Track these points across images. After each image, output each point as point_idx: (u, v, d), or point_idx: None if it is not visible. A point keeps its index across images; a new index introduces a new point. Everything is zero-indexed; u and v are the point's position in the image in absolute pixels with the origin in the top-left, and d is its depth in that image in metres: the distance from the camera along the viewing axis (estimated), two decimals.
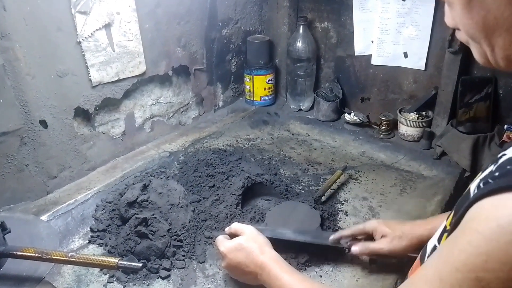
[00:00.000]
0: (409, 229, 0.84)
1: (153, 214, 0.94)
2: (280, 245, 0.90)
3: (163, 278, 0.88)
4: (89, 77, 1.10)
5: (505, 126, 1.21)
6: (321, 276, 0.89)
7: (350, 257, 0.92)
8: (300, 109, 1.65)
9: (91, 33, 1.07)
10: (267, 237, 0.84)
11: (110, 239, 0.97)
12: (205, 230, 0.99)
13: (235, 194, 1.05)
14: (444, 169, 1.25)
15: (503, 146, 1.15)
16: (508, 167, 0.43)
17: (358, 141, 1.42)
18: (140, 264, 0.74)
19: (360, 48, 1.48)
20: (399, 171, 1.27)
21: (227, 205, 1.03)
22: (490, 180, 0.44)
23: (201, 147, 1.36)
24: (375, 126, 1.47)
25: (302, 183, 1.20)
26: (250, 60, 1.61)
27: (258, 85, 1.62)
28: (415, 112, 1.39)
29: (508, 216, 0.39)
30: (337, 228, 1.01)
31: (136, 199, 0.96)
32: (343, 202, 1.13)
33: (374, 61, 1.46)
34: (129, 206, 0.96)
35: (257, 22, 1.65)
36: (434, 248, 0.57)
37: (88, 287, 0.87)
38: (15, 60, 0.94)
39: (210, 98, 1.57)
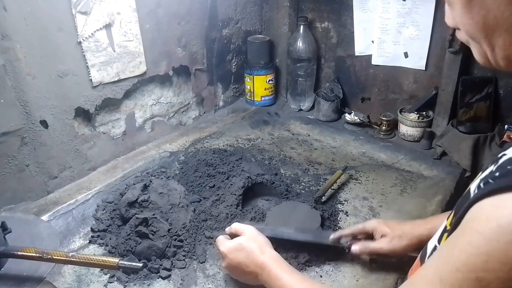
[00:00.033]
0: (409, 229, 0.84)
1: (154, 214, 0.94)
2: (281, 245, 0.91)
3: (163, 278, 0.88)
4: (90, 77, 1.11)
5: (506, 126, 1.21)
6: (321, 276, 0.89)
7: (350, 257, 0.92)
8: (301, 109, 1.65)
9: (92, 33, 1.07)
10: (267, 236, 0.84)
11: (110, 239, 0.97)
12: (206, 230, 0.99)
13: (235, 194, 1.05)
14: (444, 169, 1.25)
15: (503, 146, 1.15)
16: (509, 167, 0.43)
17: (359, 141, 1.42)
18: (141, 264, 0.75)
19: (360, 48, 1.48)
20: (400, 171, 1.27)
21: (227, 205, 1.03)
22: (490, 180, 0.44)
23: (202, 147, 1.36)
24: (375, 126, 1.47)
25: (303, 183, 1.20)
26: (250, 60, 1.61)
27: (259, 85, 1.62)
28: (416, 112, 1.39)
29: (508, 216, 0.39)
30: (337, 228, 1.01)
31: (137, 199, 0.96)
32: (343, 202, 1.13)
33: (374, 61, 1.46)
34: (130, 206, 0.96)
35: (258, 22, 1.65)
36: (435, 248, 0.57)
37: (89, 287, 0.87)
38: (15, 60, 0.94)
39: (210, 98, 1.57)
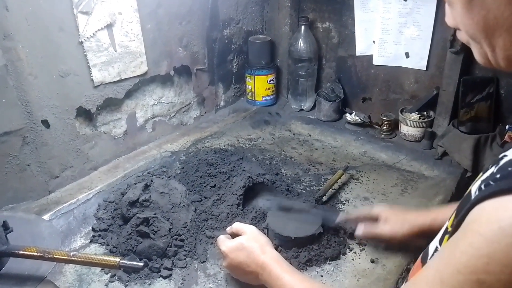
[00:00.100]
0: (412, 217, 0.87)
1: (155, 214, 0.94)
2: (282, 244, 0.91)
3: (164, 278, 0.88)
4: (91, 77, 1.11)
5: (507, 126, 1.20)
6: (322, 276, 0.89)
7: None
8: (302, 109, 1.65)
9: (93, 33, 1.07)
10: (273, 216, 0.85)
11: (111, 238, 0.97)
12: (207, 229, 0.99)
13: (236, 194, 1.05)
14: (445, 169, 1.24)
15: (504, 146, 1.15)
16: (509, 169, 0.43)
17: (360, 141, 1.42)
18: (142, 264, 0.75)
19: (361, 48, 1.48)
20: (401, 171, 1.27)
21: (228, 205, 1.03)
22: (491, 182, 0.43)
23: (203, 147, 1.36)
24: (376, 126, 1.47)
25: (303, 183, 1.20)
26: (251, 60, 1.62)
27: (260, 85, 1.62)
28: (417, 112, 1.39)
29: (509, 218, 0.39)
30: (338, 227, 1.01)
31: (138, 198, 0.96)
32: (344, 202, 1.13)
33: (375, 61, 1.46)
34: (131, 206, 0.96)
35: (259, 22, 1.65)
36: (436, 249, 0.57)
37: (90, 286, 0.87)
38: (17, 60, 0.94)
39: (211, 98, 1.57)
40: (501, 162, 0.46)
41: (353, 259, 0.93)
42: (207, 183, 1.13)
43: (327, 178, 1.20)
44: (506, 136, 1.19)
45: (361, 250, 0.96)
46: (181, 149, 1.34)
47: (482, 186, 0.45)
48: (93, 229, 1.01)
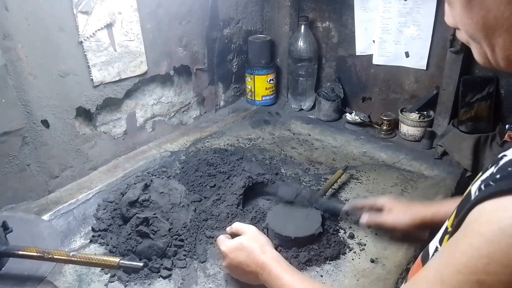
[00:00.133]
0: (414, 209, 0.91)
1: (154, 214, 0.94)
2: (282, 244, 0.91)
3: (164, 278, 0.88)
4: (91, 77, 1.11)
5: (507, 126, 1.20)
6: (322, 276, 0.89)
7: (351, 254, 0.93)
8: (301, 109, 1.65)
9: (93, 33, 1.07)
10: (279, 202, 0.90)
11: (111, 238, 0.97)
12: (206, 229, 0.99)
13: (236, 194, 1.05)
14: (445, 169, 1.24)
15: (504, 146, 1.15)
16: (509, 169, 0.43)
17: (359, 140, 1.42)
18: (141, 264, 0.74)
19: (361, 47, 1.48)
20: (400, 170, 1.27)
21: (228, 205, 1.03)
22: (491, 183, 0.43)
23: (202, 147, 1.36)
24: (376, 126, 1.47)
25: (303, 183, 1.20)
26: (251, 60, 1.61)
27: (259, 85, 1.62)
28: (417, 112, 1.39)
29: (509, 218, 0.39)
30: (338, 227, 1.01)
31: (138, 198, 0.96)
32: (344, 201, 1.12)
33: (375, 61, 1.46)
34: (131, 206, 0.96)
35: (259, 22, 1.65)
36: (436, 249, 0.57)
37: (90, 287, 0.87)
38: (17, 60, 0.94)
39: (211, 97, 1.57)
40: (501, 162, 0.46)
41: (353, 259, 0.93)
42: (207, 183, 1.13)
43: (327, 178, 1.20)
44: (506, 135, 1.19)
45: (361, 250, 0.96)
46: (181, 149, 1.34)
47: (482, 187, 0.45)
48: (93, 229, 1.01)
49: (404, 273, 0.89)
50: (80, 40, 1.05)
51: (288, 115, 1.61)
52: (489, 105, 1.26)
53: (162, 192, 0.99)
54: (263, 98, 1.65)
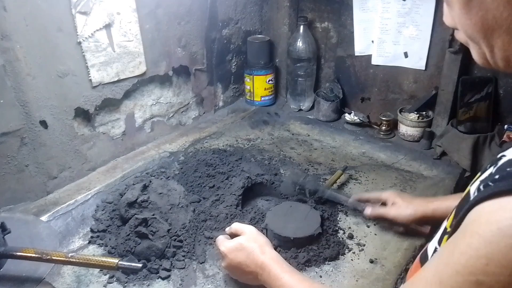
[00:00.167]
0: (416, 203, 0.94)
1: (153, 215, 0.94)
2: (281, 244, 0.91)
3: (163, 279, 0.88)
4: (90, 78, 1.10)
5: (506, 126, 1.21)
6: (321, 276, 0.89)
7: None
8: (300, 109, 1.65)
9: (92, 34, 1.07)
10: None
11: (110, 239, 0.97)
12: (205, 230, 0.99)
13: (235, 194, 1.05)
14: (444, 169, 1.24)
15: (503, 146, 1.15)
16: (508, 169, 0.43)
17: (358, 141, 1.42)
18: (140, 265, 0.74)
19: (360, 48, 1.48)
20: (399, 171, 1.27)
21: (227, 205, 1.03)
22: (490, 183, 0.43)
23: (201, 147, 1.36)
24: (375, 126, 1.47)
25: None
26: (250, 60, 1.61)
27: (258, 85, 1.62)
28: (415, 112, 1.39)
29: (508, 219, 0.39)
30: (337, 227, 1.01)
31: (136, 199, 0.96)
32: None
33: (374, 61, 1.46)
34: (129, 207, 0.96)
35: (257, 22, 1.65)
36: (435, 250, 0.57)
37: None
38: (15, 60, 0.94)
39: (210, 98, 1.57)
40: (500, 163, 0.46)
41: (352, 260, 0.93)
42: (206, 183, 1.13)
43: (326, 178, 1.20)
44: (505, 135, 1.19)
45: (360, 251, 0.96)
46: (180, 150, 1.34)
47: (481, 187, 0.45)
48: (92, 230, 1.01)
49: (403, 274, 0.89)
50: (78, 41, 1.05)
51: (287, 115, 1.61)
52: (488, 106, 1.26)
53: (161, 193, 0.99)
54: (262, 98, 1.65)
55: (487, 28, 0.44)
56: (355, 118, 1.48)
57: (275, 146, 1.42)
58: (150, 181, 1.03)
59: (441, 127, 1.35)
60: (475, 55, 0.49)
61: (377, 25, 1.40)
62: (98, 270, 0.90)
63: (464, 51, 1.23)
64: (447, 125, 1.33)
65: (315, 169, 1.28)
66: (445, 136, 1.30)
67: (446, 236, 0.53)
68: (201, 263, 0.92)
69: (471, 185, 0.51)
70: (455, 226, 0.47)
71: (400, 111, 1.41)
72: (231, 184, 1.09)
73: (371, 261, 0.92)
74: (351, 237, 0.99)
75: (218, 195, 1.07)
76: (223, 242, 0.83)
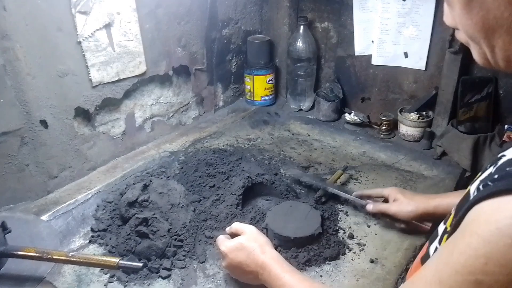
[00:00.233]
0: (418, 199, 0.95)
1: (154, 214, 0.94)
2: (281, 244, 0.91)
3: (163, 278, 0.88)
4: (90, 77, 1.10)
5: (506, 126, 1.21)
6: (321, 276, 0.89)
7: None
8: (301, 109, 1.65)
9: (92, 33, 1.07)
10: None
11: (110, 239, 0.97)
12: (206, 230, 0.99)
13: (235, 194, 1.05)
14: (444, 169, 1.25)
15: (503, 146, 1.16)
16: (507, 169, 0.43)
17: (359, 141, 1.42)
18: (141, 264, 0.75)
19: (360, 48, 1.48)
20: (400, 171, 1.27)
21: (227, 205, 1.03)
22: (489, 183, 0.44)
23: (202, 147, 1.36)
24: (375, 126, 1.47)
25: (303, 183, 1.20)
26: (250, 60, 1.61)
27: (259, 85, 1.62)
28: (416, 112, 1.39)
29: (507, 219, 0.39)
30: (337, 227, 1.01)
31: (137, 199, 0.96)
32: (343, 202, 1.12)
33: (374, 61, 1.46)
34: (130, 206, 0.96)
35: (258, 22, 1.65)
36: (436, 250, 0.57)
37: (89, 287, 0.87)
38: (15, 60, 0.94)
39: (210, 98, 1.57)
40: (499, 162, 0.46)
41: (352, 259, 0.93)
42: (206, 183, 1.13)
43: (326, 178, 1.20)
44: (505, 135, 1.19)
45: (360, 250, 0.96)
46: (180, 149, 1.34)
47: (481, 187, 0.45)
48: (92, 230, 1.01)
49: (403, 274, 0.89)
50: (78, 40, 1.05)
51: (287, 115, 1.61)
52: (488, 106, 1.26)
53: (161, 193, 0.99)
54: (262, 98, 1.65)
55: (488, 28, 0.44)
56: (355, 118, 1.48)
57: (275, 146, 1.42)
58: (151, 181, 1.03)
59: (441, 127, 1.35)
60: (475, 55, 0.49)
61: (377, 25, 1.40)
62: (99, 269, 0.90)
63: (464, 51, 1.23)
64: (447, 125, 1.33)
65: (315, 169, 1.28)
66: (445, 136, 1.30)
67: (446, 236, 0.53)
68: (201, 263, 0.92)
69: (471, 185, 0.51)
70: (455, 226, 0.47)
71: (400, 111, 1.41)
72: (231, 184, 1.09)
73: (372, 261, 0.92)
74: (351, 236, 0.99)
75: (218, 194, 1.08)
76: (223, 242, 0.83)
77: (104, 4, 1.07)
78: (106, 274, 0.89)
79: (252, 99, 1.66)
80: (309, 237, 0.93)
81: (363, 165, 1.31)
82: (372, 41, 1.44)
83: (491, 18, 0.43)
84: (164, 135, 1.42)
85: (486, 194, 0.42)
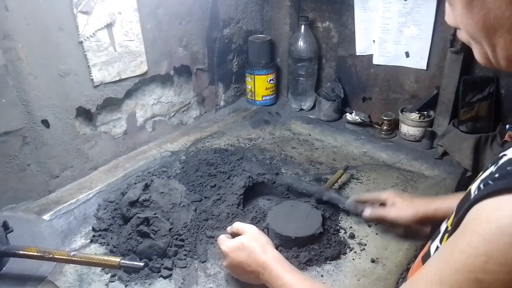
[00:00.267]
0: (417, 203, 0.92)
1: (155, 214, 0.94)
2: (282, 244, 0.91)
3: (164, 278, 0.88)
4: (91, 77, 1.11)
5: (507, 126, 1.20)
6: (322, 276, 0.89)
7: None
8: (302, 109, 1.65)
9: (93, 33, 1.07)
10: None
11: (112, 238, 0.97)
12: (207, 229, 0.99)
13: (236, 194, 1.05)
14: (445, 169, 1.24)
15: (504, 145, 1.15)
16: (508, 168, 0.43)
17: (360, 140, 1.42)
18: (142, 264, 0.75)
19: (361, 47, 1.48)
20: (401, 171, 1.27)
21: (228, 205, 1.03)
22: (490, 182, 0.44)
23: (203, 147, 1.36)
24: (376, 126, 1.47)
25: (304, 183, 1.20)
26: (251, 60, 1.62)
27: (260, 85, 1.62)
28: (417, 112, 1.39)
29: (507, 217, 0.39)
30: (339, 227, 1.01)
31: (138, 198, 0.96)
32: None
33: (375, 61, 1.46)
34: (131, 206, 0.96)
35: (259, 22, 1.65)
36: (437, 249, 0.57)
37: (90, 286, 0.87)
38: (17, 60, 0.94)
39: (211, 97, 1.57)
40: (500, 162, 0.46)
41: (353, 259, 0.93)
42: (207, 183, 1.13)
43: (327, 178, 1.20)
44: (507, 135, 1.19)
45: (361, 250, 0.96)
46: (181, 149, 1.34)
47: (481, 186, 0.45)
48: (93, 229, 1.01)
49: (404, 273, 0.89)
50: (80, 40, 1.05)
51: (289, 115, 1.61)
52: (490, 105, 1.26)
53: (162, 192, 0.99)
54: (263, 98, 1.65)
55: (489, 28, 0.44)
56: (356, 117, 1.48)
57: (276, 145, 1.42)
58: (152, 180, 1.03)
59: (443, 127, 1.35)
60: (477, 54, 0.49)
61: (378, 25, 1.40)
62: (100, 269, 0.90)
63: (465, 50, 1.23)
64: (448, 125, 1.33)
65: (316, 168, 1.28)
66: (446, 136, 1.29)
67: (446, 235, 0.53)
68: (202, 262, 0.92)
69: (472, 184, 0.51)
70: (456, 225, 0.47)
71: (402, 111, 1.41)
72: (232, 184, 1.09)
73: (373, 261, 0.92)
74: (352, 236, 0.99)
75: (219, 194, 1.08)
76: (224, 241, 0.83)
77: (105, 4, 1.07)
78: (107, 273, 0.90)
79: (253, 98, 1.66)
80: (310, 236, 0.93)
81: (364, 164, 1.31)
82: (373, 41, 1.43)
83: (492, 18, 0.43)
84: (166, 134, 1.42)
85: (486, 193, 0.42)
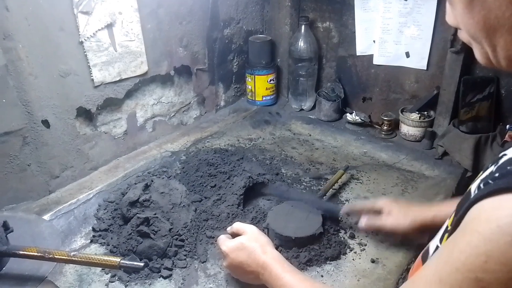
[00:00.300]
0: (414, 211, 0.89)
1: (155, 214, 0.94)
2: (282, 244, 0.91)
3: (164, 278, 0.88)
4: (91, 77, 1.11)
5: (507, 126, 1.20)
6: (322, 276, 0.89)
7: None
8: (302, 109, 1.65)
9: (93, 33, 1.07)
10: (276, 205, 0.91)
11: (112, 238, 0.97)
12: (207, 229, 0.99)
13: (236, 194, 1.05)
14: (446, 169, 1.24)
15: (504, 145, 1.15)
16: (508, 167, 0.43)
17: (360, 141, 1.42)
18: (142, 264, 0.75)
19: (361, 48, 1.48)
20: (401, 171, 1.27)
21: (228, 205, 1.03)
22: (490, 181, 0.44)
23: (203, 147, 1.36)
24: (376, 126, 1.47)
25: (304, 183, 1.20)
26: (251, 60, 1.62)
27: (260, 85, 1.62)
28: (417, 112, 1.39)
29: (507, 217, 0.39)
30: (339, 227, 1.01)
31: (138, 198, 0.96)
32: (344, 202, 1.12)
33: (376, 61, 1.46)
34: (131, 206, 0.96)
35: (259, 22, 1.65)
36: (437, 248, 0.57)
37: (90, 287, 0.87)
38: (17, 60, 0.94)
39: (211, 98, 1.58)
40: (501, 161, 0.46)
41: (353, 259, 0.93)
42: (208, 183, 1.13)
43: (328, 178, 1.20)
44: (507, 135, 1.19)
45: (361, 250, 0.96)
46: (181, 149, 1.34)
47: (481, 185, 0.45)
48: (94, 229, 1.01)
49: (404, 273, 0.89)
50: (80, 40, 1.05)
51: (289, 115, 1.61)
52: (490, 105, 1.26)
53: (162, 192, 1.00)
54: (264, 98, 1.65)
55: (490, 28, 0.44)
56: (357, 118, 1.48)
57: (276, 145, 1.42)
58: (152, 181, 1.03)
59: (443, 127, 1.35)
60: (477, 54, 0.49)
61: (379, 25, 1.40)
62: (100, 269, 0.90)
63: (466, 50, 1.23)
64: (448, 125, 1.33)
65: (316, 169, 1.28)
66: (446, 136, 1.29)
67: (446, 235, 0.53)
68: (202, 263, 0.92)
69: (472, 184, 0.51)
70: (456, 224, 0.47)
71: (402, 111, 1.41)
72: (232, 184, 1.09)
73: (373, 261, 0.92)
74: (352, 236, 0.99)
75: (219, 194, 1.08)
76: (224, 242, 0.83)
77: (106, 4, 1.07)
78: (107, 273, 0.90)
79: (253, 99, 1.66)
80: (310, 237, 0.93)
81: (364, 165, 1.31)
82: (374, 41, 1.43)
83: (492, 18, 0.43)
84: (166, 135, 1.42)
85: (486, 192, 0.42)
